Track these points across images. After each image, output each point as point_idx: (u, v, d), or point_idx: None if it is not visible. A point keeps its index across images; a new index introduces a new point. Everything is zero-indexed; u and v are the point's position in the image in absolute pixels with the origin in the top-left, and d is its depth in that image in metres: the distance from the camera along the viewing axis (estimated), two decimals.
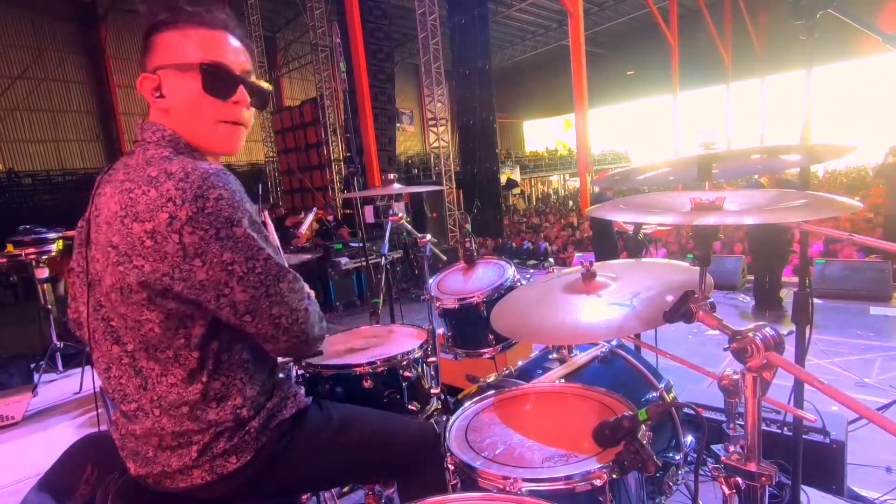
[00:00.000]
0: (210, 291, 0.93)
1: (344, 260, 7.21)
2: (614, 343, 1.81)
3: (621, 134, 29.31)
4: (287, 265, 1.02)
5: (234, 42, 1.06)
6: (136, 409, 1.01)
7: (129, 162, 0.98)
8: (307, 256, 2.83)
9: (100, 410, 3.05)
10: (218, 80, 1.02)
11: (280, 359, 1.22)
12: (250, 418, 1.04)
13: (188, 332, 0.96)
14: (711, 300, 0.98)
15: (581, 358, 1.75)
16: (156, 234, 0.88)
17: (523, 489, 1.01)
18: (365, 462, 1.23)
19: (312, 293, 1.11)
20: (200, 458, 1.00)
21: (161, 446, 1.01)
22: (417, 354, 1.76)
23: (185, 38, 1.01)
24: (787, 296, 5.55)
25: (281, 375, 1.19)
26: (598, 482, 1.02)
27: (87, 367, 4.23)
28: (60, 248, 4.43)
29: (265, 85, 1.11)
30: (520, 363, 1.87)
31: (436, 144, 11.62)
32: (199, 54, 1.00)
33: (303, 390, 1.21)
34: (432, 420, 1.77)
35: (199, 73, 1.00)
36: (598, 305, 1.23)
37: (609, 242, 6.59)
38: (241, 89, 1.05)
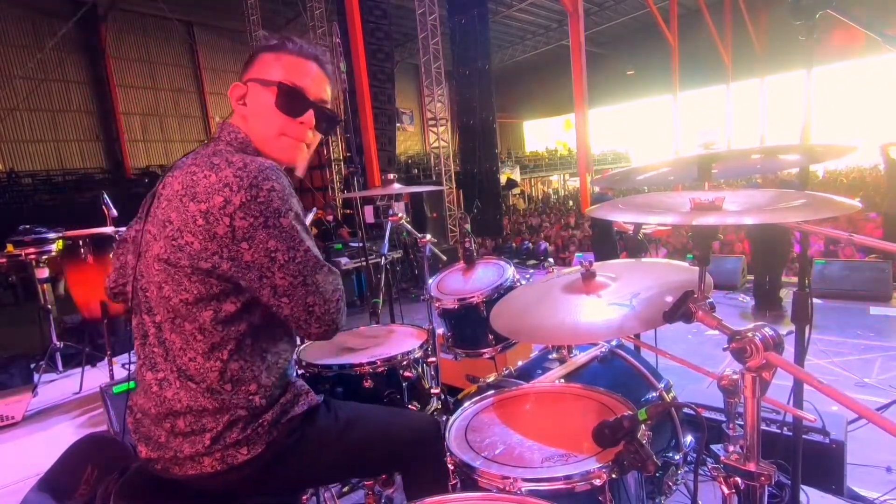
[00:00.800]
0: (254, 272, 1.00)
1: (344, 260, 7.20)
2: (614, 343, 1.81)
3: (621, 134, 29.32)
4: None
5: (319, 73, 1.17)
6: (163, 379, 1.05)
7: (200, 151, 1.08)
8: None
9: (101, 409, 3.05)
10: (290, 100, 1.13)
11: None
12: (263, 410, 1.07)
13: (219, 306, 1.02)
14: (711, 300, 0.98)
15: (581, 358, 1.75)
16: (209, 214, 0.96)
17: (523, 489, 1.01)
18: (369, 459, 1.27)
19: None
20: (213, 447, 1.02)
21: (174, 432, 1.04)
22: (417, 354, 1.76)
23: (278, 61, 1.13)
24: (786, 296, 5.55)
25: (299, 372, 1.21)
26: (597, 482, 1.02)
27: (87, 367, 4.23)
28: (60, 248, 4.42)
29: (334, 114, 1.23)
30: (520, 363, 1.87)
31: (436, 144, 11.63)
32: (282, 75, 1.12)
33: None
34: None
35: (277, 89, 1.12)
36: (598, 305, 1.23)
37: (609, 242, 6.60)
38: (311, 113, 1.16)
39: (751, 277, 6.62)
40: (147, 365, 1.08)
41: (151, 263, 1.03)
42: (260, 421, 1.06)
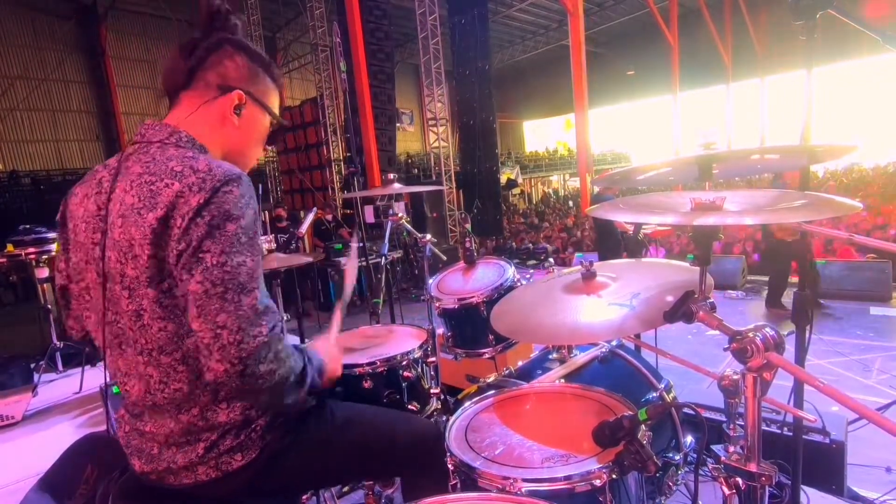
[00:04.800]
0: (178, 269, 0.92)
1: (344, 260, 7.21)
2: (614, 343, 1.81)
3: (621, 134, 29.35)
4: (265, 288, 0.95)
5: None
6: (143, 412, 1.03)
7: (143, 159, 0.99)
8: (308, 259, 2.84)
9: (101, 410, 3.05)
10: (277, 134, 1.21)
11: None
12: (258, 417, 1.05)
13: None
14: (711, 300, 0.98)
15: (581, 358, 1.75)
16: (168, 219, 0.91)
17: (523, 489, 1.01)
18: (368, 460, 1.25)
19: (299, 361, 1.03)
20: (206, 455, 1.01)
21: (167, 444, 1.02)
22: (417, 354, 1.75)
23: (268, 85, 1.16)
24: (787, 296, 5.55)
25: None
26: (597, 482, 1.02)
27: (87, 367, 4.23)
28: (60, 247, 4.42)
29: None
30: (520, 363, 1.86)
31: (436, 144, 11.62)
32: (273, 104, 1.17)
33: None
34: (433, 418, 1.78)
35: (273, 124, 1.19)
36: (598, 305, 1.23)
37: (612, 242, 6.59)
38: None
39: (751, 277, 6.64)
40: (125, 400, 1.06)
41: (120, 292, 0.96)
42: (253, 426, 1.04)
